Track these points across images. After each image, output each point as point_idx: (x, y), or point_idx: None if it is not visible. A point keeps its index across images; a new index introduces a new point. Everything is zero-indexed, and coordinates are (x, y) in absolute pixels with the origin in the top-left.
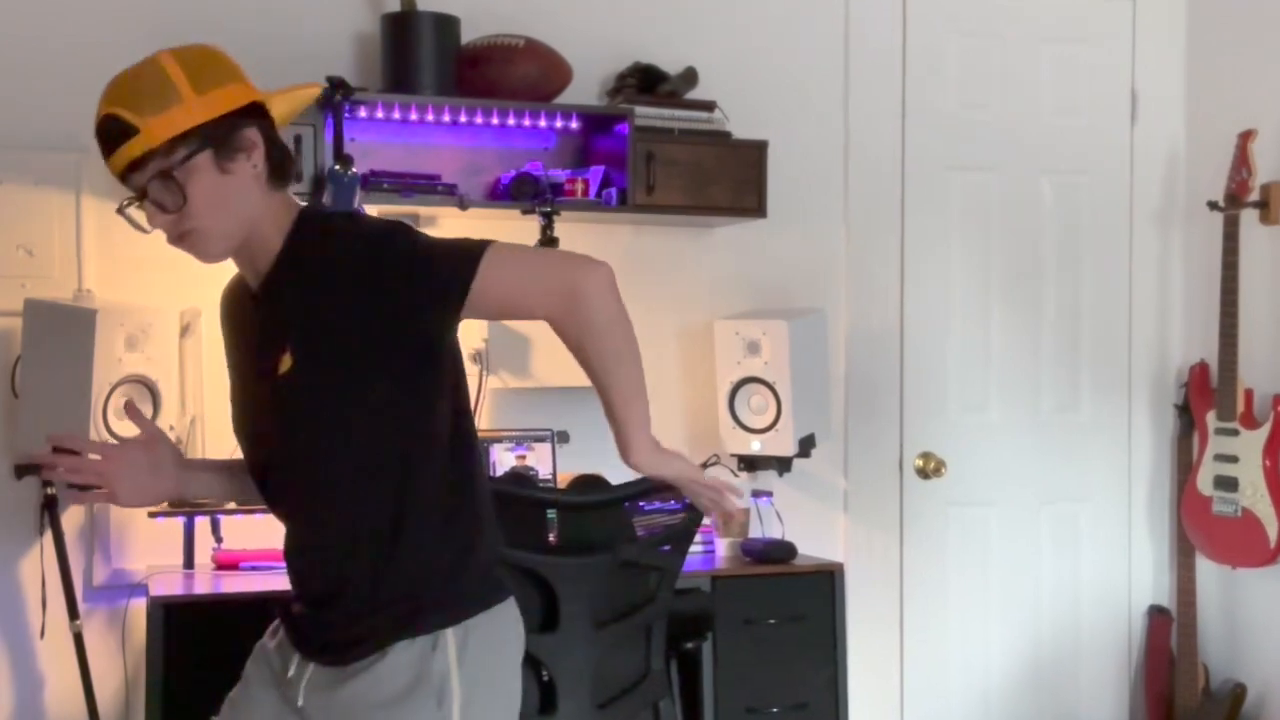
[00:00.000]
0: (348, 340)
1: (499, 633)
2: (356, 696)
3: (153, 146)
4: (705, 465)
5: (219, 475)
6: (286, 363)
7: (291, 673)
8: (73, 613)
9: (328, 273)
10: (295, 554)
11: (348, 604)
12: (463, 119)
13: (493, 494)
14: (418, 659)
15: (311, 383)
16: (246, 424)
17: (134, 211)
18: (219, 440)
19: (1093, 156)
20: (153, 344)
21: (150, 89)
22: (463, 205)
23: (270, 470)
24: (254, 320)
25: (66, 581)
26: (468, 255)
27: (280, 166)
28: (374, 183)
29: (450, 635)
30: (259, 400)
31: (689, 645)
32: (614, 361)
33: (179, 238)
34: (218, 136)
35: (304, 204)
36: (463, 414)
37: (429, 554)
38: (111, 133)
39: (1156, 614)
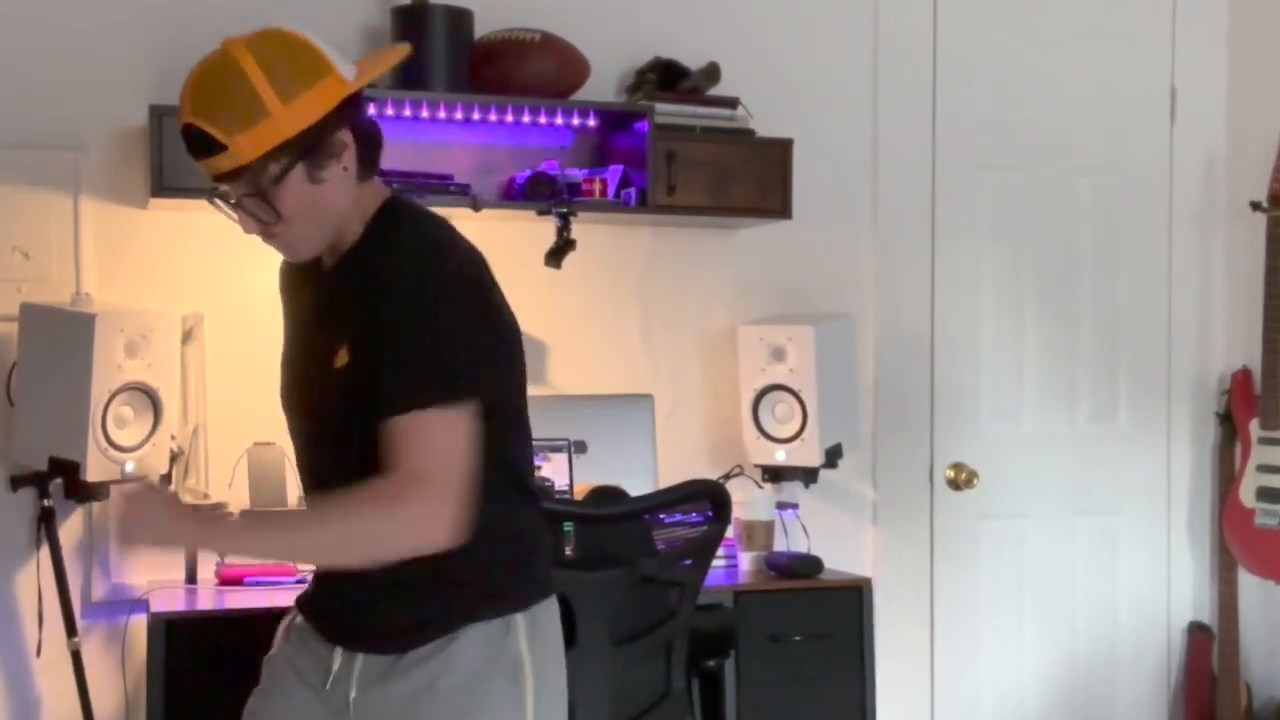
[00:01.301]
0: (383, 336)
1: (554, 621)
2: (428, 681)
3: (242, 164)
4: (728, 477)
5: None
6: (343, 357)
7: (336, 667)
8: (70, 629)
9: (383, 278)
10: None
11: (410, 588)
12: (476, 116)
13: None
14: (490, 640)
15: (365, 383)
16: (295, 400)
17: (224, 205)
18: (223, 450)
19: (1130, 156)
20: (154, 350)
21: (234, 100)
22: (476, 206)
23: (319, 451)
24: (315, 296)
25: (64, 597)
26: (426, 384)
27: (371, 157)
28: (382, 181)
29: (520, 620)
30: (312, 383)
31: (711, 664)
32: (321, 529)
33: (269, 239)
34: (309, 148)
35: (390, 191)
36: (517, 405)
37: (499, 539)
38: (196, 144)
39: (1197, 631)
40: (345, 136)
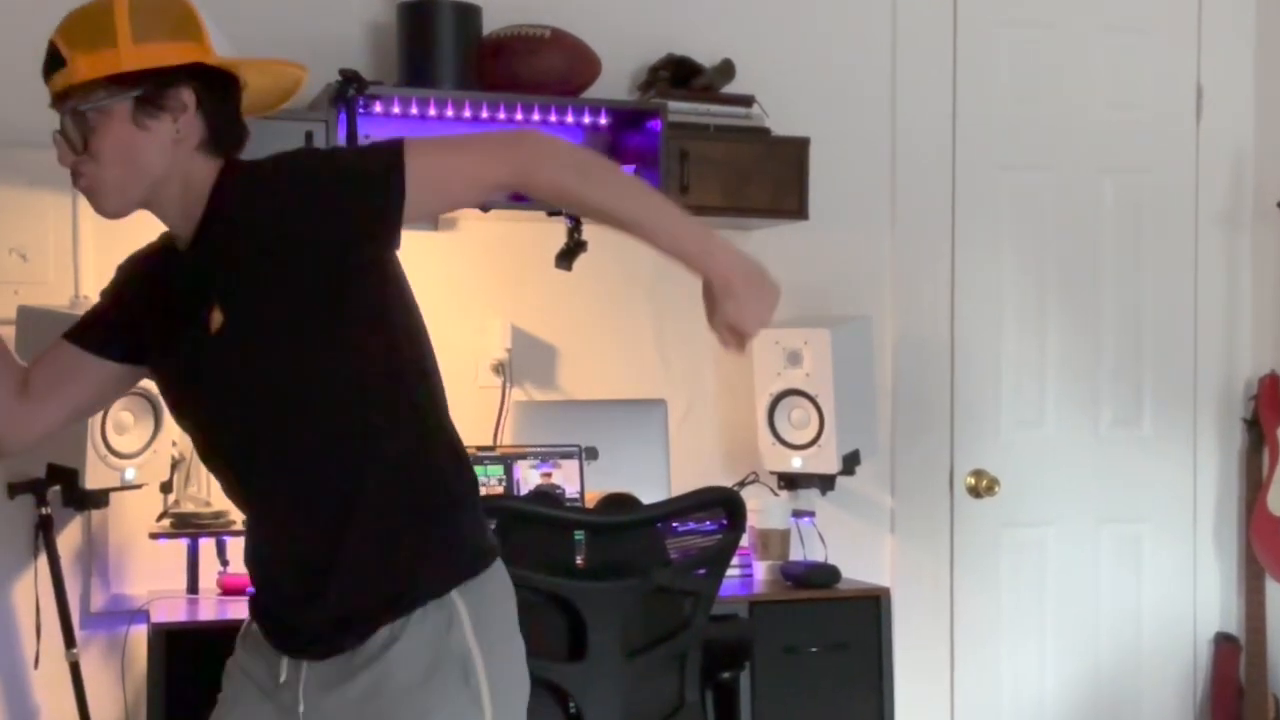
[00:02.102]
0: (282, 286)
1: (500, 588)
2: (373, 687)
3: (72, 83)
4: (743, 484)
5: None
6: (217, 320)
7: (284, 678)
8: (69, 641)
9: (249, 217)
10: (262, 540)
11: (328, 584)
12: (484, 114)
13: (516, 514)
14: (432, 636)
15: (248, 337)
16: (185, 405)
17: (56, 140)
18: None
19: (1155, 154)
20: None
21: (91, 25)
22: (484, 207)
23: (218, 448)
24: (175, 288)
25: (62, 607)
26: (385, 155)
27: (219, 136)
28: None
29: (459, 602)
30: (194, 370)
31: (725, 675)
32: (624, 187)
33: (76, 178)
34: (142, 90)
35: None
36: (421, 353)
37: (415, 514)
38: (48, 59)
39: (1224, 642)
40: (187, 98)
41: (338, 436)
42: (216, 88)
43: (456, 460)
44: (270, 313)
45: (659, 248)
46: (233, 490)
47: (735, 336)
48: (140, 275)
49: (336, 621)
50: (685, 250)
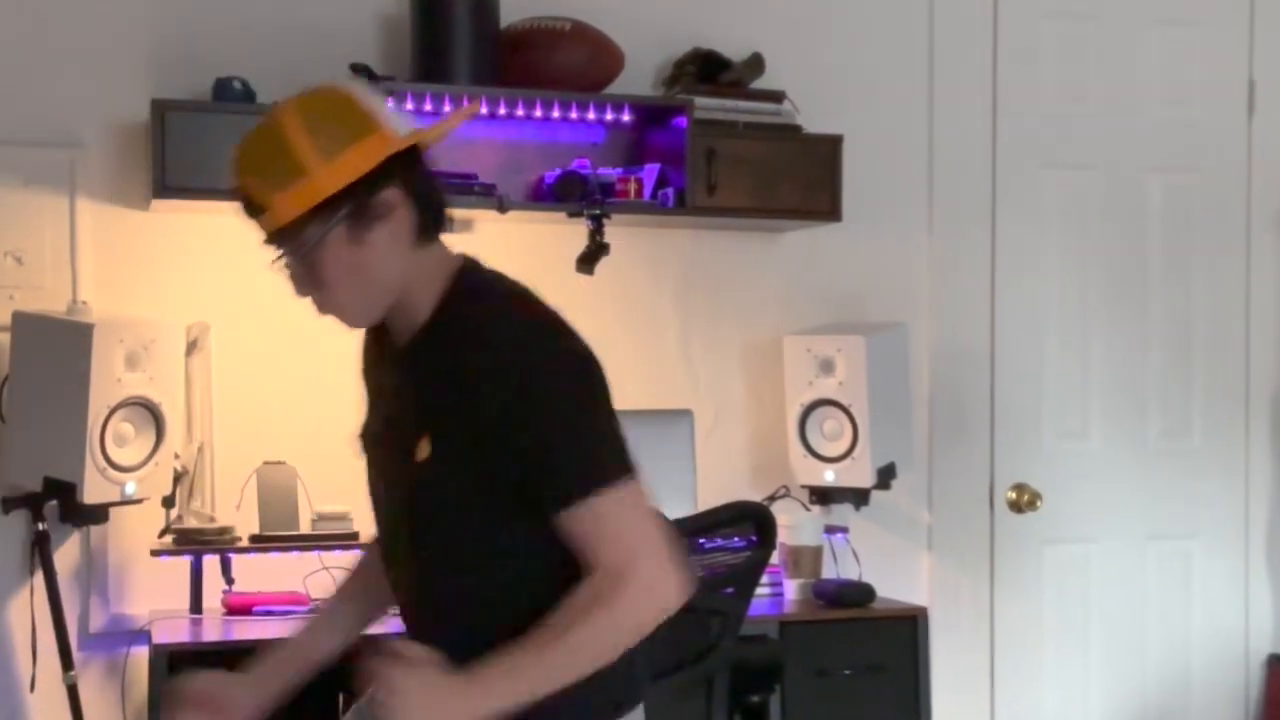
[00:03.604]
0: (478, 449)
1: None
2: None
3: (280, 226)
4: (773, 498)
5: (350, 613)
6: (424, 450)
7: None
8: (67, 663)
9: (467, 374)
10: (408, 627)
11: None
12: (502, 111)
13: None
14: None
15: (446, 479)
16: (376, 476)
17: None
18: (229, 470)
19: (1205, 152)
20: (156, 362)
21: (273, 160)
22: (502, 207)
23: (395, 530)
24: (393, 374)
25: (60, 628)
26: (586, 474)
27: (430, 221)
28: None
29: None
30: (393, 463)
31: (755, 699)
32: (560, 648)
33: (318, 306)
34: (350, 207)
35: (465, 259)
36: None
37: None
38: (243, 204)
39: (1277, 663)
40: (393, 196)
41: (496, 580)
42: (411, 165)
43: None
44: (467, 465)
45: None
46: (390, 577)
47: None
48: (369, 349)
49: None
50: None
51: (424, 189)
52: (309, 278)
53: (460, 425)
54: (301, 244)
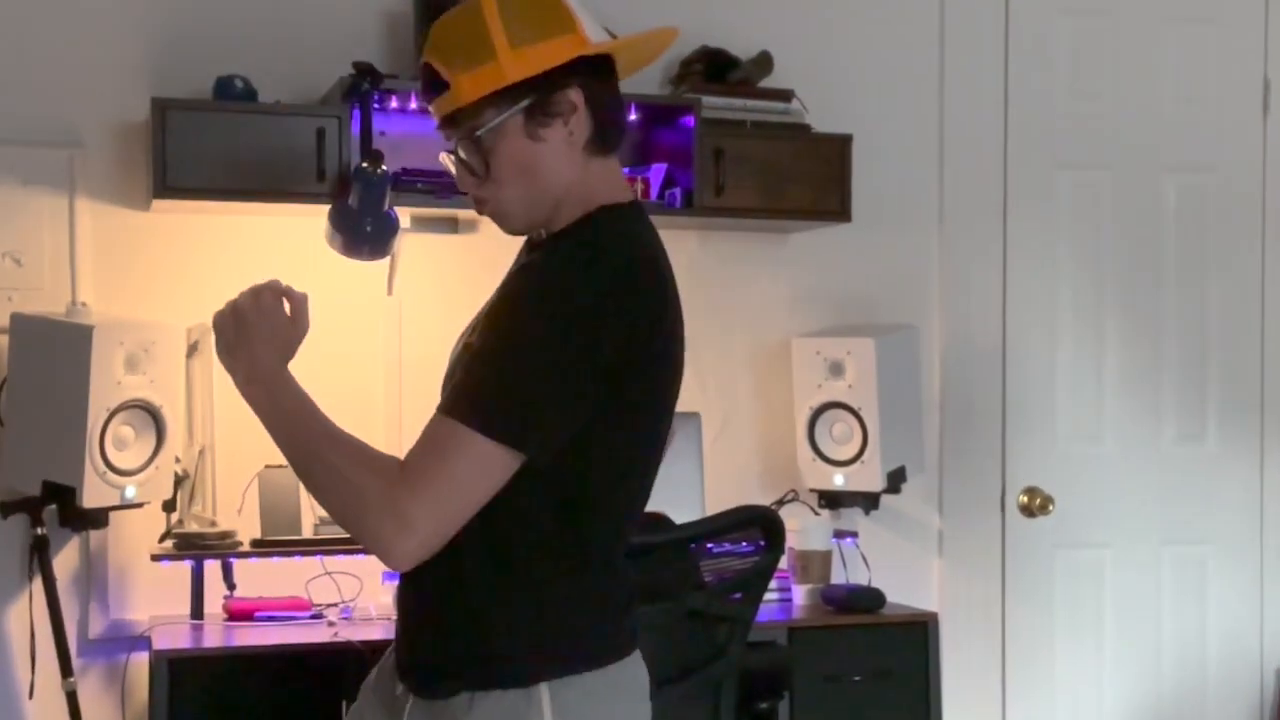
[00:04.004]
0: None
1: (606, 698)
2: None
3: (460, 105)
4: (781, 502)
5: None
6: (470, 338)
7: (399, 692)
8: (66, 669)
9: (535, 271)
10: None
11: (427, 618)
12: None
13: None
14: (507, 713)
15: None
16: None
17: (452, 164)
18: (231, 475)
19: (1221, 152)
20: (156, 364)
21: (465, 40)
22: None
23: None
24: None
25: (59, 633)
26: (463, 403)
27: (604, 133)
28: (406, 182)
29: (545, 700)
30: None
31: (763, 705)
32: (315, 454)
33: (479, 204)
34: (531, 99)
35: (629, 198)
36: (620, 468)
37: (527, 589)
38: (426, 83)
39: None
40: (576, 97)
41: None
42: (600, 76)
43: (604, 552)
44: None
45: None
46: None
47: None
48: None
49: (424, 662)
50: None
51: (606, 100)
52: (478, 168)
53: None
54: (477, 127)
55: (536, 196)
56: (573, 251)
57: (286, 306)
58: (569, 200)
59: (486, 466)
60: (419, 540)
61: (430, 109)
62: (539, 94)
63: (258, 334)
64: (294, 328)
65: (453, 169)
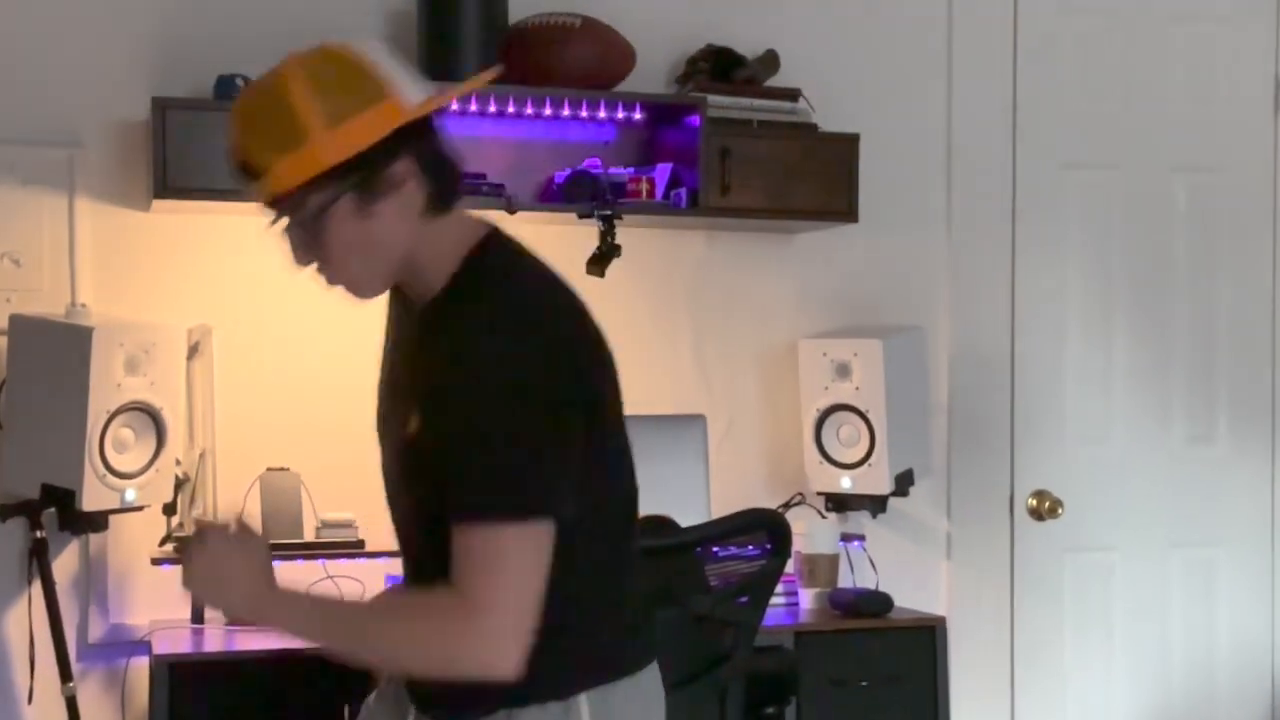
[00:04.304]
0: (445, 426)
1: (641, 704)
2: None
3: (281, 193)
4: (788, 505)
5: None
6: (413, 424)
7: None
8: (65, 674)
9: (449, 352)
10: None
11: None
12: (510, 109)
13: None
14: None
15: (427, 458)
16: (382, 439)
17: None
18: (233, 478)
19: (1230, 151)
20: (157, 366)
21: (273, 123)
22: (510, 208)
23: (394, 497)
24: (405, 339)
25: (58, 638)
26: (480, 502)
27: (442, 193)
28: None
29: (584, 703)
30: (392, 433)
31: (770, 710)
32: (375, 630)
33: (327, 281)
34: (356, 179)
35: (489, 230)
36: (611, 509)
37: (554, 607)
38: (238, 167)
39: None
40: (404, 168)
41: None
42: (427, 135)
43: (617, 560)
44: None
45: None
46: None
47: None
48: (392, 309)
49: (457, 691)
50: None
51: (436, 159)
52: (310, 248)
53: (436, 403)
54: (304, 213)
55: (382, 268)
56: (485, 313)
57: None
58: (427, 259)
59: (533, 546)
60: (517, 645)
61: (247, 192)
62: (365, 172)
63: (234, 580)
64: (254, 547)
65: (284, 242)
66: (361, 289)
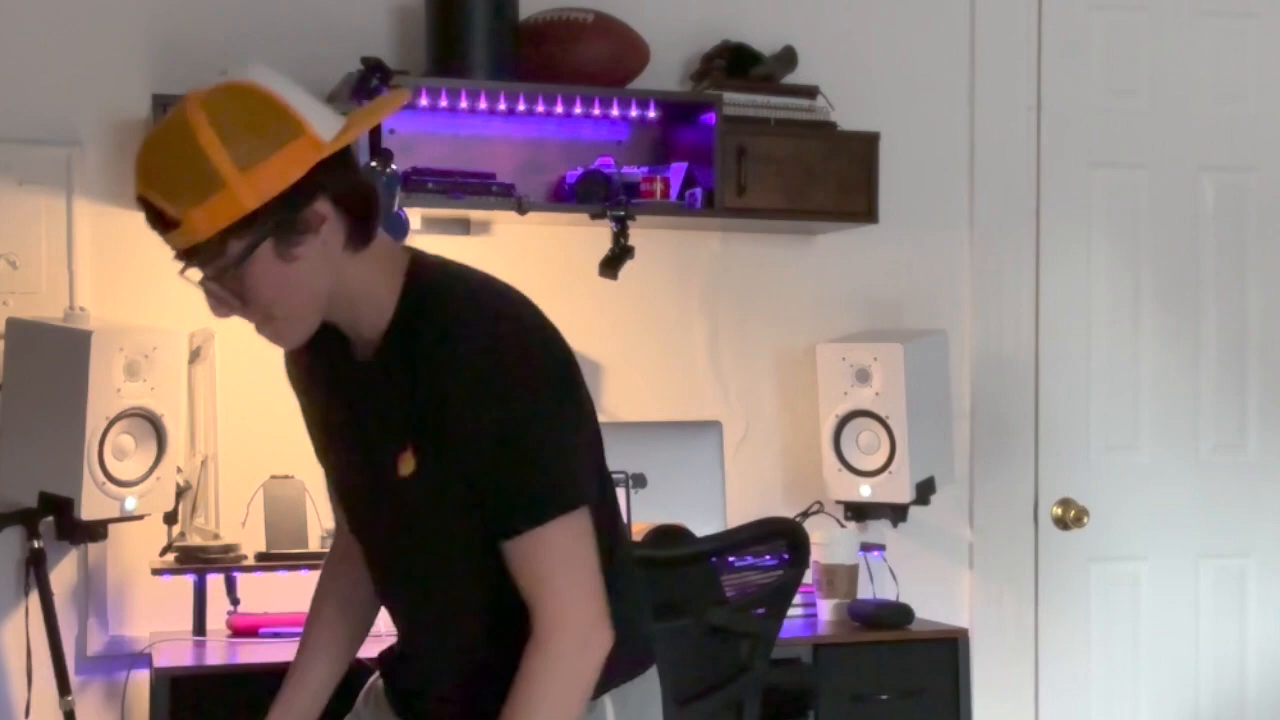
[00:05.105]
0: (463, 461)
1: (652, 701)
2: None
3: (197, 242)
4: (806, 514)
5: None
6: (408, 465)
7: None
8: (63, 687)
9: (448, 376)
10: (411, 633)
11: (478, 684)
12: (521, 107)
13: None
14: None
15: (438, 490)
16: (358, 505)
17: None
18: (235, 484)
19: (1261, 150)
20: (157, 371)
21: (186, 169)
22: (521, 208)
23: (404, 556)
24: (353, 390)
25: (56, 650)
26: (540, 501)
27: (361, 229)
28: (417, 182)
29: (609, 703)
30: (378, 488)
31: None
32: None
33: (257, 328)
34: (276, 221)
35: (410, 253)
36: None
37: None
38: (151, 217)
39: None
40: (323, 208)
41: (500, 596)
42: (341, 170)
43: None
44: (458, 472)
45: None
46: (380, 587)
47: None
48: (305, 375)
49: (480, 714)
50: None
51: (354, 192)
52: (231, 297)
53: (446, 438)
54: (222, 263)
55: (308, 311)
56: (470, 333)
57: None
58: (362, 294)
59: (579, 533)
60: (605, 622)
61: (164, 240)
62: (283, 214)
63: None
64: None
65: (206, 296)
66: (287, 335)
